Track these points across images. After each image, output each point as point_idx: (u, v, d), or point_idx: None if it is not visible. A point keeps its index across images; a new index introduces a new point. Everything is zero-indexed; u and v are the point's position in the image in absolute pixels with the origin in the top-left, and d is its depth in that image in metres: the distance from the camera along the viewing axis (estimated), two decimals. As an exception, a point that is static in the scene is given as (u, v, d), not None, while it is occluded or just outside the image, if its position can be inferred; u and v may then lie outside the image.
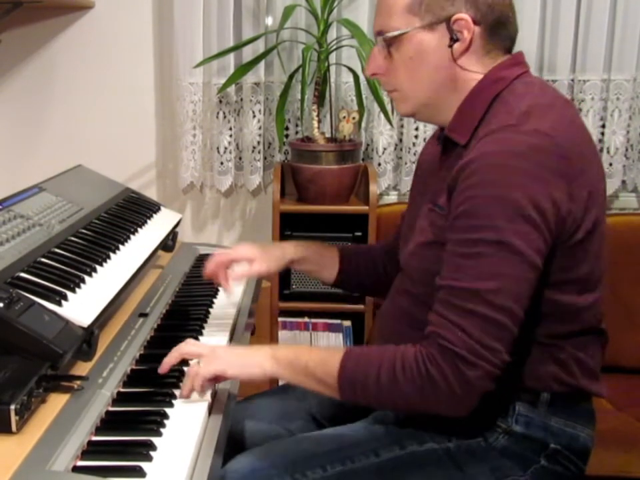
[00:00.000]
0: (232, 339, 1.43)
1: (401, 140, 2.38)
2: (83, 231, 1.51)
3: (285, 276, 2.24)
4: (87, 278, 1.30)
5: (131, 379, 1.20)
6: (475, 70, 1.19)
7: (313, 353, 1.18)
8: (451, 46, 1.17)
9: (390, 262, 1.48)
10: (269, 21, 2.31)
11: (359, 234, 2.21)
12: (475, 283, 1.07)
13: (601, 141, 2.35)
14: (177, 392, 1.16)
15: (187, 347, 1.21)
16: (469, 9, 1.16)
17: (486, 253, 1.07)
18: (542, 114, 1.12)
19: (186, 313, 1.48)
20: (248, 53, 2.29)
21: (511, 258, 1.06)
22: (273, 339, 2.21)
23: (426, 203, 1.25)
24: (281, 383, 2.13)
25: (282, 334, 2.23)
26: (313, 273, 1.54)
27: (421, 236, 1.23)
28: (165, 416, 1.09)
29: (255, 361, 1.17)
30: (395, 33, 1.18)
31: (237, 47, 2.25)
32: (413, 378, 1.08)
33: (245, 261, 1.44)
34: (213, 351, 1.19)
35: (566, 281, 1.15)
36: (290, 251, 1.47)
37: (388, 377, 1.10)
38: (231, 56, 2.28)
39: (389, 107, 2.15)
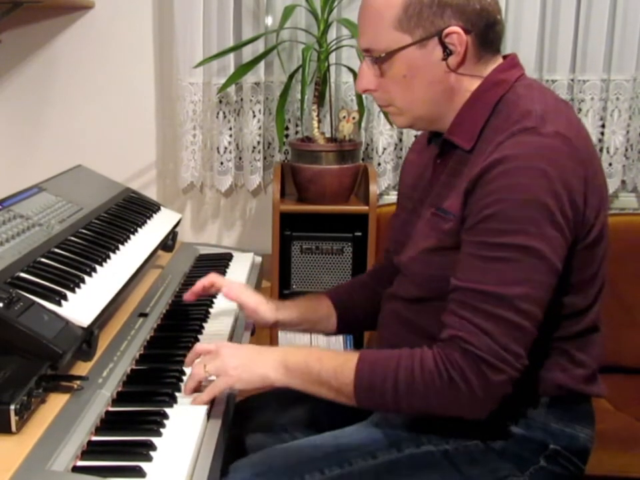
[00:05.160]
0: (232, 339, 1.43)
1: (400, 140, 2.38)
2: (83, 230, 1.51)
3: (284, 276, 2.24)
4: (86, 278, 1.30)
5: (131, 378, 1.20)
6: (471, 75, 1.18)
7: (325, 360, 1.15)
8: (444, 59, 1.15)
9: (380, 284, 1.43)
10: (269, 20, 2.31)
11: (359, 234, 2.21)
12: (501, 288, 1.06)
13: (600, 140, 2.35)
14: (176, 392, 1.16)
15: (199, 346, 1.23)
16: (458, 19, 1.13)
17: (513, 257, 1.06)
18: (556, 116, 1.12)
19: (186, 313, 1.48)
20: (248, 53, 2.29)
21: (538, 264, 1.06)
22: (273, 339, 2.20)
23: (427, 208, 1.23)
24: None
25: (282, 334, 2.23)
26: (308, 330, 1.56)
27: (425, 242, 1.21)
28: (165, 416, 1.09)
29: (264, 372, 1.15)
30: (385, 53, 1.16)
31: (236, 47, 2.25)
32: (433, 381, 1.07)
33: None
34: (223, 362, 1.16)
35: (573, 282, 1.15)
36: (279, 317, 1.43)
37: (406, 382, 1.09)
38: (231, 56, 2.28)
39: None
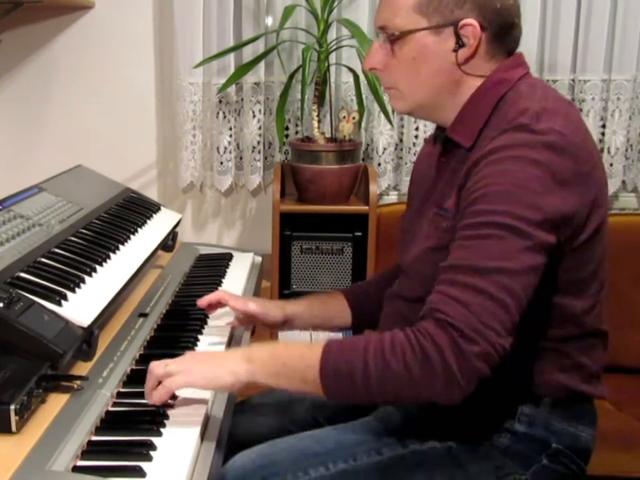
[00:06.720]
0: (232, 339, 1.43)
1: (401, 140, 2.38)
2: (83, 230, 1.51)
3: (284, 276, 2.24)
4: (86, 278, 1.30)
5: (131, 378, 1.20)
6: (477, 73, 1.19)
7: (291, 349, 1.12)
8: (455, 50, 1.16)
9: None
10: (269, 21, 2.31)
11: (359, 234, 2.21)
12: (481, 261, 1.04)
13: (601, 141, 2.35)
14: (176, 392, 1.16)
15: (156, 369, 1.11)
16: (477, 13, 1.14)
17: (496, 235, 1.05)
18: (553, 114, 1.12)
19: (186, 313, 1.48)
20: (248, 53, 2.29)
21: (521, 243, 1.04)
22: (273, 338, 2.20)
23: (430, 207, 1.24)
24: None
25: (282, 334, 2.23)
26: (322, 326, 1.53)
27: (428, 241, 1.21)
28: (165, 416, 1.09)
29: (226, 369, 1.09)
30: (400, 32, 1.17)
31: (236, 47, 2.25)
32: (404, 355, 1.01)
33: (244, 315, 1.46)
34: (181, 362, 1.12)
35: (569, 283, 1.14)
36: (288, 311, 1.45)
37: (376, 361, 1.03)
38: (231, 56, 2.28)
39: (389, 107, 2.15)
